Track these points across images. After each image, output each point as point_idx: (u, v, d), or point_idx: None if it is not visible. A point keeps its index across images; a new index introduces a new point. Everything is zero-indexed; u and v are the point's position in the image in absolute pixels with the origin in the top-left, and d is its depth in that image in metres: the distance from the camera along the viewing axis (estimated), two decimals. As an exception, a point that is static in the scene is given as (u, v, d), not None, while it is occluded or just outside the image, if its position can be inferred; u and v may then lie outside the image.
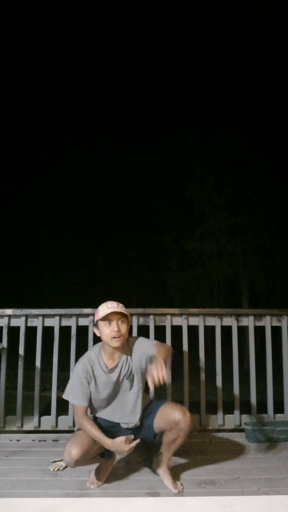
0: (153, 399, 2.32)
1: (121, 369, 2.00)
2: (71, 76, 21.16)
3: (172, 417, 1.89)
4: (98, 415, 2.06)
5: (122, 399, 2.02)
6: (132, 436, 1.89)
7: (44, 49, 20.88)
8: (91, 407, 2.03)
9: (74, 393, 1.95)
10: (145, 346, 2.00)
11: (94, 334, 2.86)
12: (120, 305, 1.98)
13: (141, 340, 2.07)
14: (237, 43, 17.59)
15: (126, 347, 2.03)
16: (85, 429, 1.88)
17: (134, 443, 1.84)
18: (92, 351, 2.06)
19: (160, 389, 2.11)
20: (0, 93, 18.56)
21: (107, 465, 2.04)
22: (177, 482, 1.99)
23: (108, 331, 1.92)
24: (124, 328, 1.94)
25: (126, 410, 2.03)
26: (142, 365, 1.99)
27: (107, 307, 1.94)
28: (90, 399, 1.97)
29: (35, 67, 20.91)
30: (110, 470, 2.05)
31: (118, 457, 2.16)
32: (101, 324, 1.95)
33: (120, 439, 1.82)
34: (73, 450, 1.80)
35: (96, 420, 2.04)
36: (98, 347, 2.06)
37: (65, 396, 1.99)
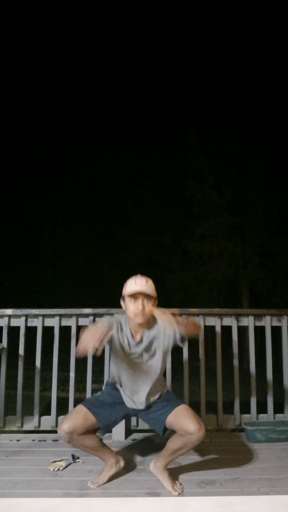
0: (170, 388, 2.32)
1: (147, 344, 2.00)
2: (71, 75, 21.17)
3: (186, 427, 1.83)
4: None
5: (137, 373, 2.01)
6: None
7: (44, 49, 20.89)
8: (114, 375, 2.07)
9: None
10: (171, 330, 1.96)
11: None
12: (149, 282, 1.98)
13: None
14: (238, 43, 17.59)
15: (152, 323, 2.03)
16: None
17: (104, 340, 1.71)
18: (122, 316, 2.07)
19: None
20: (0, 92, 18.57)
21: (110, 467, 2.02)
22: (177, 483, 1.97)
23: (133, 308, 1.93)
24: (149, 307, 1.94)
25: (138, 386, 2.02)
26: (166, 344, 2.00)
27: (135, 283, 1.94)
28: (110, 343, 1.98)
29: (35, 68, 20.93)
30: (113, 472, 2.02)
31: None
32: (127, 299, 1.96)
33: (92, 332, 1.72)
34: (65, 424, 1.86)
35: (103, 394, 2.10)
36: (126, 315, 2.05)
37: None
